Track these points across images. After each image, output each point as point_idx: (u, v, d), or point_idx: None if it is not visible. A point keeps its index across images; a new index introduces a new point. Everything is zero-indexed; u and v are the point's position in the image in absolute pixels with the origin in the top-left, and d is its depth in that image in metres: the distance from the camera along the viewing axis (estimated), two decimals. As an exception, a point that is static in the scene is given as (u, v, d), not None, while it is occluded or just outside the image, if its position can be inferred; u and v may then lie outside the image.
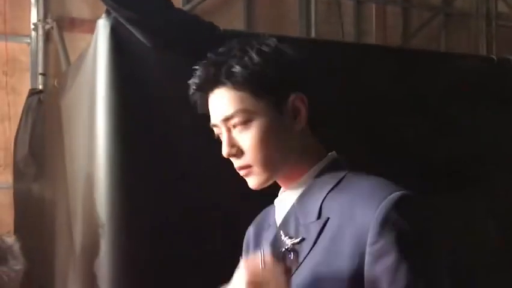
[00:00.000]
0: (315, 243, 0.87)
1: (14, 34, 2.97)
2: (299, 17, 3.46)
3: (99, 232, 1.33)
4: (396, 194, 0.84)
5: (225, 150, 0.92)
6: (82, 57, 1.65)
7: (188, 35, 1.34)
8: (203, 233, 1.35)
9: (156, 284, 1.32)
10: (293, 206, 0.93)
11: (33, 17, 2.98)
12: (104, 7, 1.39)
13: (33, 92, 2.83)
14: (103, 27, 1.34)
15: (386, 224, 0.82)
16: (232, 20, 3.24)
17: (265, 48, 0.91)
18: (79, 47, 2.67)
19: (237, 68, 0.88)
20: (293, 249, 0.89)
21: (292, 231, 0.91)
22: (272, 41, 0.93)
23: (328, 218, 0.87)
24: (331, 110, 1.65)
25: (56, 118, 2.05)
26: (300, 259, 0.88)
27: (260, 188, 0.92)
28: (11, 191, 2.85)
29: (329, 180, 0.91)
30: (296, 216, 0.92)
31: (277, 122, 0.90)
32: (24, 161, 2.70)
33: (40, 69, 2.96)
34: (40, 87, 2.92)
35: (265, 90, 0.89)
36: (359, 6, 3.67)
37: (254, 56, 0.89)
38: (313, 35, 3.39)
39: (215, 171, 1.30)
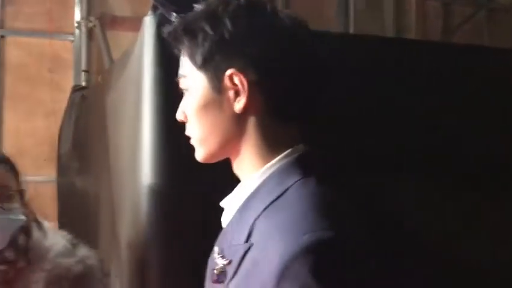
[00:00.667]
0: (235, 272, 0.75)
1: (58, 32, 3.06)
2: (337, 12, 3.43)
3: (144, 229, 1.34)
4: (308, 237, 0.67)
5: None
6: (126, 54, 1.68)
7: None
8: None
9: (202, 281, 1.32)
10: (234, 217, 0.82)
11: (77, 16, 3.06)
12: (148, 5, 1.41)
13: (76, 89, 2.91)
14: (149, 24, 1.36)
15: (286, 275, 0.66)
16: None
17: (220, 12, 0.79)
18: (121, 45, 2.73)
19: (183, 33, 0.81)
20: (224, 270, 0.77)
21: (226, 250, 0.79)
22: (235, 4, 0.80)
23: (252, 245, 0.73)
24: (367, 106, 1.63)
25: (99, 114, 2.10)
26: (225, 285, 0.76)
27: (204, 162, 0.85)
28: (55, 185, 2.94)
29: (274, 189, 0.77)
30: (232, 231, 0.80)
31: (211, 98, 0.80)
32: (68, 155, 2.78)
33: (83, 66, 3.04)
34: (83, 83, 3.01)
35: (201, 61, 0.79)
36: (399, 0, 3.61)
37: (203, 21, 0.79)
38: (351, 30, 3.36)
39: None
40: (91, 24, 3.04)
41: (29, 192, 1.33)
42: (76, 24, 3.06)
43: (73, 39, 3.06)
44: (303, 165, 0.78)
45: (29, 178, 2.90)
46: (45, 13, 2.97)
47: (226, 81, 0.78)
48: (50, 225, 1.37)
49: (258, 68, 0.77)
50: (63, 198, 2.83)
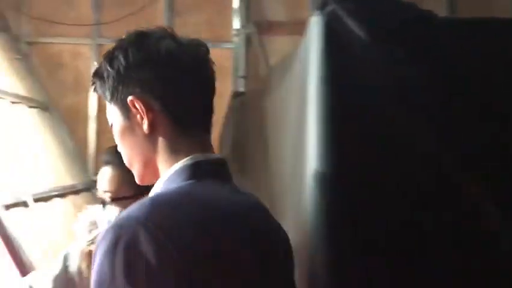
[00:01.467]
0: None
1: (217, 41, 3.22)
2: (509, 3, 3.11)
3: (309, 235, 1.29)
4: (117, 219, 0.80)
5: None
6: (289, 57, 1.68)
7: (406, 24, 1.26)
8: (423, 239, 1.24)
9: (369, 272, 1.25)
10: None
11: (236, 24, 3.18)
12: (304, 8, 1.38)
13: (235, 94, 3.02)
14: (315, 23, 1.32)
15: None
16: (434, 6, 3.04)
17: (115, 50, 0.94)
18: (276, 49, 2.77)
19: (94, 77, 0.96)
20: None
21: None
22: (127, 40, 0.94)
23: None
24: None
25: (259, 118, 2.13)
26: None
27: (142, 184, 0.98)
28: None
29: (166, 187, 0.92)
30: None
31: (125, 125, 0.94)
32: (228, 158, 2.89)
33: (241, 73, 3.15)
34: (241, 89, 3.11)
35: (109, 95, 0.94)
36: None
37: (105, 62, 0.94)
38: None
39: (434, 166, 1.18)
40: (248, 31, 3.14)
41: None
42: (234, 32, 3.18)
43: (231, 46, 3.19)
44: (192, 170, 0.91)
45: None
46: (207, 23, 3.14)
47: (131, 108, 0.92)
48: None
49: (152, 91, 0.92)
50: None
